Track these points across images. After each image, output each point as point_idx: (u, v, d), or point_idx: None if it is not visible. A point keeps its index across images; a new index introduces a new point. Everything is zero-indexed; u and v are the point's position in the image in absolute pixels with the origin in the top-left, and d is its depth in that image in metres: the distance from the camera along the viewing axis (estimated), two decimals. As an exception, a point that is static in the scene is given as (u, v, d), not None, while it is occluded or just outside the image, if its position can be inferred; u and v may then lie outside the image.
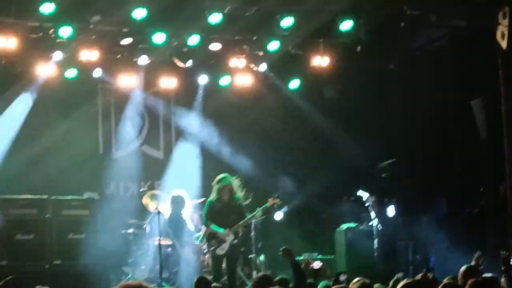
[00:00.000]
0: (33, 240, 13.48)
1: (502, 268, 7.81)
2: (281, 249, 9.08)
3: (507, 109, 11.82)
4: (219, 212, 12.75)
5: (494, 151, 13.19)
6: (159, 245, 12.70)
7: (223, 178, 12.85)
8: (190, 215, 14.34)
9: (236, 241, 12.71)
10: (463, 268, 8.23)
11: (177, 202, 13.96)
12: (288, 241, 13.97)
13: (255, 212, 12.93)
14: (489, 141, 13.66)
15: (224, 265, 12.78)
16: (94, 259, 13.65)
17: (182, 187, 14.41)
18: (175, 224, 13.83)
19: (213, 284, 9.49)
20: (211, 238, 12.78)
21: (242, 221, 12.77)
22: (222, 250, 12.66)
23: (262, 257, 14.32)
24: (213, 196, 12.89)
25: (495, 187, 13.55)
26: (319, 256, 14.48)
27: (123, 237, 13.96)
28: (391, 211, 15.74)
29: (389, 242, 14.74)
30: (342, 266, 14.06)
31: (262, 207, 13.00)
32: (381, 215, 15.16)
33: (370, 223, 13.72)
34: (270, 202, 13.04)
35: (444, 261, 14.52)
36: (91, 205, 14.12)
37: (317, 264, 8.98)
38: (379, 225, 13.29)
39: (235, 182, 12.91)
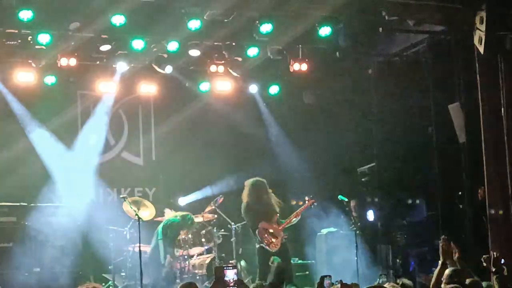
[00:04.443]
0: (12, 248, 13.42)
1: (493, 270, 7.83)
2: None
3: (484, 113, 11.90)
4: (262, 212, 12.95)
5: (473, 154, 13.26)
6: (140, 251, 12.66)
7: (259, 181, 13.13)
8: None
9: (286, 237, 12.95)
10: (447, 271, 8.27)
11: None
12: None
13: (296, 211, 13.23)
14: (468, 144, 13.74)
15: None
16: (74, 266, 13.62)
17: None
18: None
19: (258, 282, 9.54)
20: (264, 233, 12.83)
21: (288, 219, 13.11)
22: (275, 246, 12.75)
23: (242, 263, 14.32)
24: (249, 199, 13.04)
25: (474, 190, 13.63)
26: (299, 261, 14.54)
27: (103, 243, 13.90)
28: (370, 215, 15.82)
29: (369, 246, 14.80)
30: (322, 271, 14.09)
31: (301, 207, 13.27)
32: (361, 219, 15.23)
33: (350, 228, 13.77)
34: (307, 202, 13.24)
35: (424, 265, 14.58)
36: (71, 212, 14.09)
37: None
38: (359, 229, 13.35)
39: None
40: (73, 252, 13.82)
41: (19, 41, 13.06)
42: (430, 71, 15.14)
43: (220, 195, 14.23)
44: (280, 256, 12.77)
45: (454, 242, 8.88)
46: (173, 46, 13.82)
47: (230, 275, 6.86)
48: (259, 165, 15.91)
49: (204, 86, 15.76)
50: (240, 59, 14.66)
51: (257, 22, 13.07)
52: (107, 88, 15.21)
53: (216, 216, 14.18)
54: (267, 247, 12.72)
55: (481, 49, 11.47)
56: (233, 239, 13.94)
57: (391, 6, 11.59)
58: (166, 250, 13.45)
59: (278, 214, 13.12)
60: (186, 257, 13.61)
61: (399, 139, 15.67)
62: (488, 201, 11.92)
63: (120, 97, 15.97)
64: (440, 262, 8.62)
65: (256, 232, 12.84)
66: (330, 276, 8.12)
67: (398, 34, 15.04)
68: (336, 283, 8.23)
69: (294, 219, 13.28)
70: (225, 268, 6.90)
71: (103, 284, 13.63)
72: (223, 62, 14.62)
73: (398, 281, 7.66)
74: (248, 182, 13.22)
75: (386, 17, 12.08)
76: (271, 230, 12.88)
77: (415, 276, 14.00)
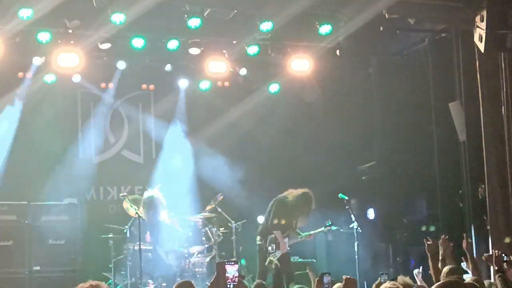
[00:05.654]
0: (12, 246, 13.41)
1: (495, 268, 7.81)
2: None
3: (485, 111, 11.89)
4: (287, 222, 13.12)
5: (473, 153, 13.25)
6: (140, 249, 12.65)
7: (308, 194, 13.16)
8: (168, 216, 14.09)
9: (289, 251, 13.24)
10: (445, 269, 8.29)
11: (151, 205, 13.66)
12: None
13: (310, 233, 13.44)
14: (468, 143, 13.73)
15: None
16: (74, 264, 13.61)
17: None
18: (153, 228, 13.66)
19: (258, 281, 9.60)
20: (273, 241, 12.98)
21: (301, 237, 13.31)
22: (279, 253, 12.90)
23: (243, 261, 14.31)
24: (293, 201, 13.13)
25: (474, 189, 13.62)
26: (300, 260, 14.51)
27: (103, 242, 13.89)
28: (371, 213, 15.81)
29: (369, 245, 14.78)
30: (323, 269, 14.09)
31: (320, 230, 13.54)
32: (361, 217, 15.21)
33: (350, 226, 13.76)
34: (324, 229, 13.54)
35: (424, 263, 14.55)
36: (71, 210, 14.08)
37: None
38: (359, 227, 13.34)
39: None
40: (73, 251, 13.81)
41: (19, 39, 13.04)
42: (430, 69, 15.12)
43: (220, 193, 14.21)
44: (280, 258, 12.78)
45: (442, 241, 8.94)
46: (173, 44, 13.82)
47: (232, 270, 6.79)
48: (258, 164, 15.95)
49: (204, 85, 15.77)
50: (240, 57, 14.64)
51: (257, 20, 13.06)
52: (107, 86, 15.20)
53: (216, 214, 14.16)
54: (272, 252, 12.80)
55: (482, 47, 11.46)
56: (233, 237, 13.92)
57: (392, 4, 11.56)
58: (165, 248, 13.43)
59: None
60: (186, 255, 13.59)
61: (400, 138, 15.66)
62: (489, 199, 11.90)
63: (120, 95, 15.95)
64: (429, 255, 8.70)
65: (273, 233, 12.94)
66: (329, 273, 8.07)
67: (399, 32, 15.02)
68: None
69: (306, 239, 13.49)
70: (226, 263, 6.82)
71: (103, 282, 13.59)
72: (223, 60, 14.59)
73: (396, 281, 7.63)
74: (303, 190, 13.25)
75: (387, 16, 12.05)
76: (283, 242, 13.01)
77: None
